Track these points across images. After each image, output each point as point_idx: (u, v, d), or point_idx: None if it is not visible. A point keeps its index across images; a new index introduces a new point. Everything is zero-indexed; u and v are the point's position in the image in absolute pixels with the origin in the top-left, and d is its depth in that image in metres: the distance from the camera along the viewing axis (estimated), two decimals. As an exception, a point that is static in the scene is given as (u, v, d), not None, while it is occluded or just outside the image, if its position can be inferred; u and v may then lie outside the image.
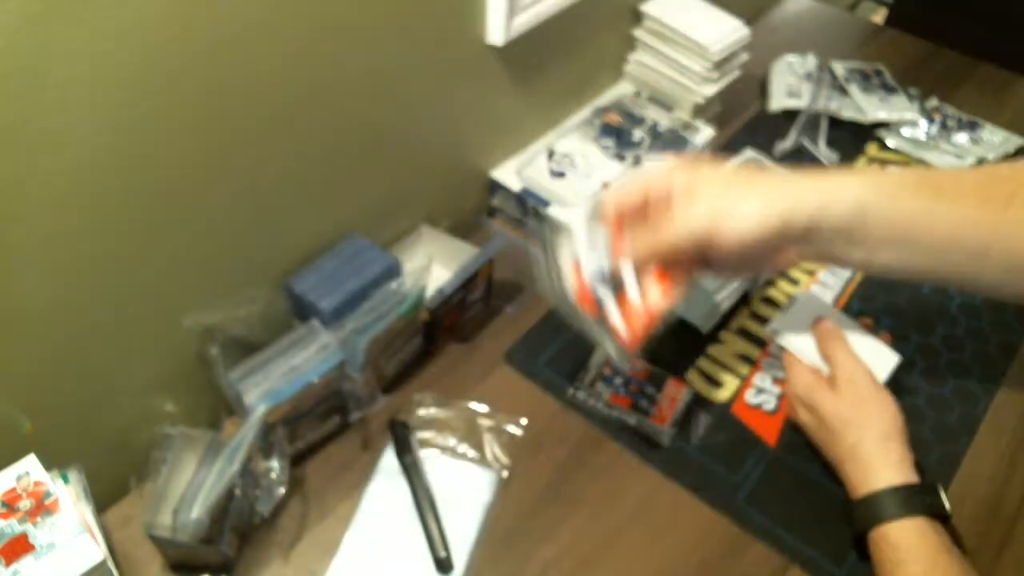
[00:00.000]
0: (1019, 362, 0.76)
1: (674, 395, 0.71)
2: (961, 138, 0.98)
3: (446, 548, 0.60)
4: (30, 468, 0.55)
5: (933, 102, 1.04)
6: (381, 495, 0.64)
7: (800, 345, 0.66)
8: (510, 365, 0.74)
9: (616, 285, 0.54)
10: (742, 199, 0.50)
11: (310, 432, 0.65)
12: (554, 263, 0.54)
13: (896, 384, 0.63)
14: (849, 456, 0.60)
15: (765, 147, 0.97)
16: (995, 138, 0.98)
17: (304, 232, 0.67)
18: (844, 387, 0.61)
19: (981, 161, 0.95)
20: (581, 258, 0.54)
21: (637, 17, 0.92)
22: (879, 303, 0.73)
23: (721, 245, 0.51)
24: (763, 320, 0.79)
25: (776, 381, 0.74)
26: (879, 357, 0.65)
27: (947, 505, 0.56)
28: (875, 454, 0.58)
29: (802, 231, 0.51)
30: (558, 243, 0.54)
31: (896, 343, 0.67)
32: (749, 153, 0.92)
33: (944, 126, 1.00)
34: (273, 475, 0.59)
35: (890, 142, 0.98)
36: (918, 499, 0.56)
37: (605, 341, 0.56)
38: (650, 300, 0.54)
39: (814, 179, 0.52)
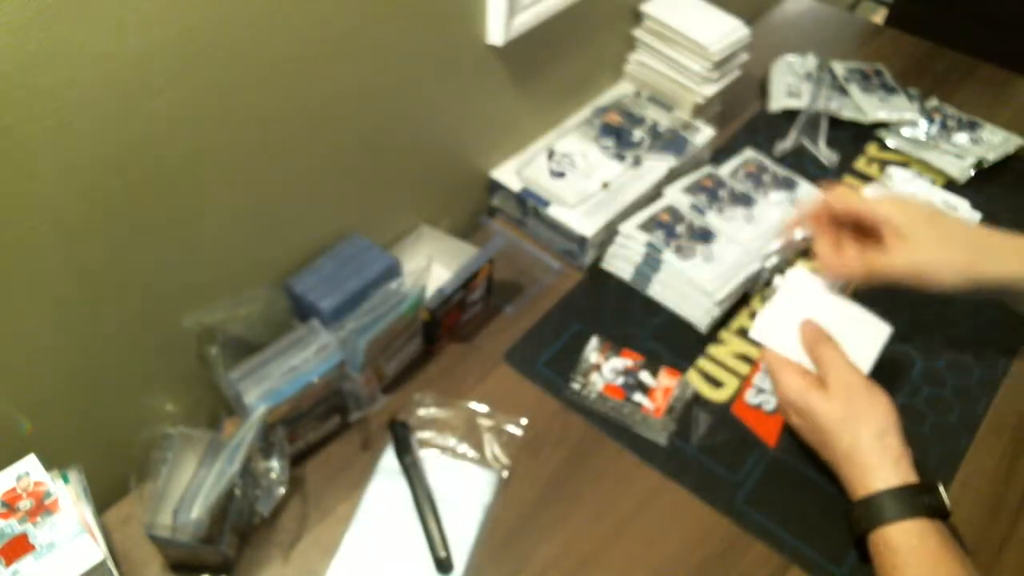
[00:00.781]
0: (1019, 362, 0.76)
1: (668, 385, 0.71)
2: (961, 138, 0.98)
3: (446, 548, 0.60)
4: (30, 468, 0.55)
5: (933, 102, 1.04)
6: (381, 495, 0.64)
7: (785, 341, 0.66)
8: (510, 365, 0.74)
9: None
10: (949, 256, 0.62)
11: (310, 432, 0.65)
12: None
13: (895, 384, 0.64)
14: (846, 457, 0.59)
15: (765, 147, 0.97)
16: (995, 138, 0.98)
17: (304, 232, 0.67)
18: (835, 387, 0.61)
19: (981, 162, 0.95)
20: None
21: (637, 17, 0.92)
22: (879, 304, 0.73)
23: (924, 287, 0.62)
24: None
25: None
26: (871, 329, 0.64)
27: (947, 503, 0.56)
28: (872, 453, 0.58)
29: (997, 288, 0.63)
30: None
31: (897, 343, 0.67)
32: (749, 153, 0.92)
33: (944, 126, 1.00)
34: (273, 475, 0.59)
35: (890, 142, 0.98)
36: (918, 500, 0.56)
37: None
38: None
39: (1014, 244, 0.63)
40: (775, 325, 0.67)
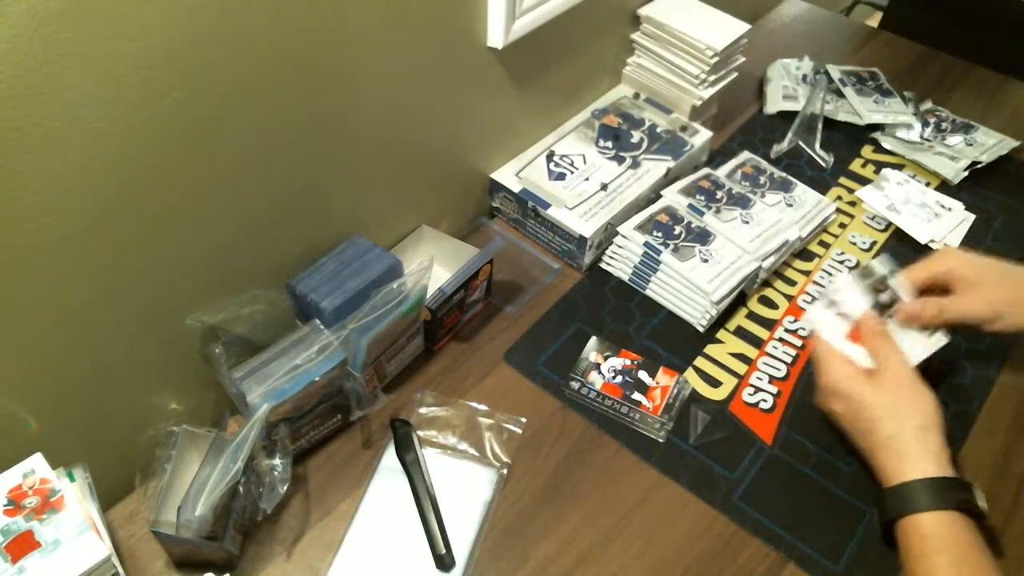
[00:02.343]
0: (1013, 361, 0.77)
1: (666, 384, 0.72)
2: (955, 140, 0.99)
3: (447, 545, 0.61)
4: (36, 466, 0.55)
5: (927, 105, 1.05)
6: (382, 493, 0.65)
7: (833, 332, 0.67)
8: (510, 364, 0.74)
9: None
10: (1014, 308, 0.66)
11: (312, 430, 0.66)
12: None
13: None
14: (884, 445, 0.60)
15: (762, 149, 0.98)
16: (989, 140, 0.99)
17: (306, 233, 0.68)
18: (886, 378, 0.62)
19: (975, 163, 0.95)
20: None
21: (635, 21, 0.92)
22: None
23: (998, 327, 0.66)
24: (760, 320, 0.80)
25: (773, 381, 0.75)
26: (923, 337, 0.67)
27: (982, 503, 0.57)
28: (913, 444, 0.59)
29: None
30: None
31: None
32: (746, 155, 0.93)
33: (939, 128, 1.01)
34: (276, 473, 0.60)
35: (885, 144, 0.99)
36: (952, 492, 0.57)
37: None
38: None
39: None
40: (824, 320, 0.68)
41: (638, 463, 0.68)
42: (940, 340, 0.67)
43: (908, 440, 0.59)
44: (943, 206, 0.91)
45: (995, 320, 0.65)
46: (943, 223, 0.90)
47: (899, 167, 0.97)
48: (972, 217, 0.91)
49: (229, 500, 0.57)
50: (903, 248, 0.88)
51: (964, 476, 0.59)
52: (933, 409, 0.61)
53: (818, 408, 0.67)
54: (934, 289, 0.68)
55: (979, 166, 0.95)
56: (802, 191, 0.88)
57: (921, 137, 0.99)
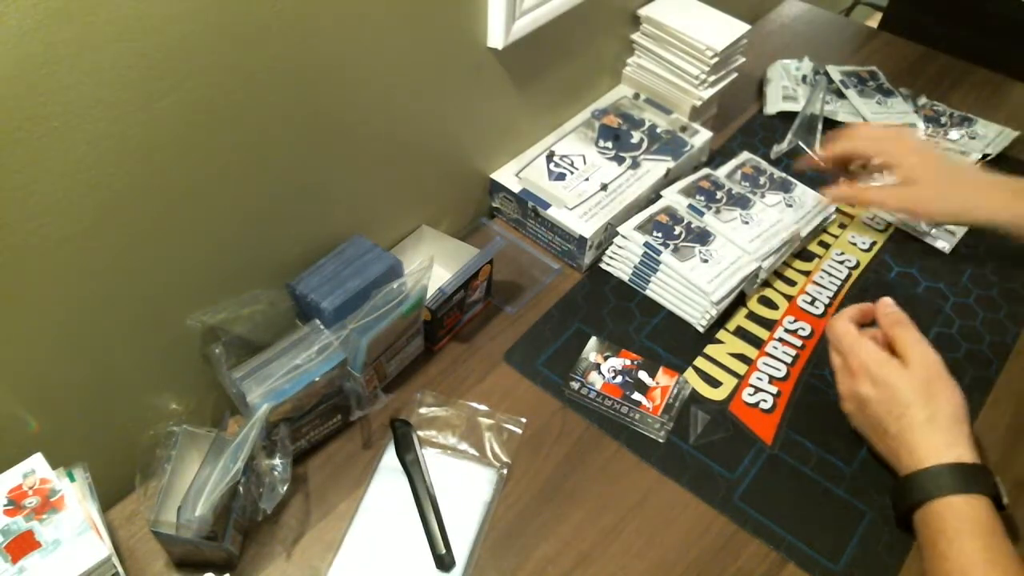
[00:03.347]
0: (1012, 361, 0.77)
1: (666, 384, 0.72)
2: (956, 135, 0.99)
3: (447, 545, 0.61)
4: (36, 466, 0.55)
5: (923, 100, 1.05)
6: (382, 493, 0.65)
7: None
8: (510, 364, 0.74)
9: None
10: (945, 194, 0.75)
11: (312, 430, 0.66)
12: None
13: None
14: (920, 428, 0.60)
15: (762, 149, 0.98)
16: (990, 132, 0.99)
17: (307, 233, 0.68)
18: (917, 363, 0.62)
19: (985, 156, 0.96)
20: None
21: (635, 21, 0.93)
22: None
23: (913, 217, 0.80)
24: (760, 320, 0.80)
25: (773, 381, 0.75)
26: None
27: (1005, 499, 0.58)
28: (950, 430, 0.60)
29: (987, 226, 0.73)
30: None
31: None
32: (746, 155, 0.93)
33: (938, 124, 1.01)
34: (276, 473, 0.60)
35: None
36: (986, 480, 0.57)
37: None
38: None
39: (1008, 191, 0.74)
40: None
41: (638, 463, 0.68)
42: None
43: (943, 426, 0.60)
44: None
45: (912, 210, 0.77)
46: None
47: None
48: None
49: (229, 500, 0.57)
50: (904, 247, 0.88)
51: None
52: (962, 401, 0.61)
53: (838, 393, 0.67)
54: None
55: (988, 158, 0.95)
56: (802, 191, 0.88)
57: (924, 134, 0.99)
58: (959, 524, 0.56)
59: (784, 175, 0.90)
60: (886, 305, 0.67)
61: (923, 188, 0.75)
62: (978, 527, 0.55)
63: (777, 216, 0.84)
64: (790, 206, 0.86)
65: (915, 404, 0.61)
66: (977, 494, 0.56)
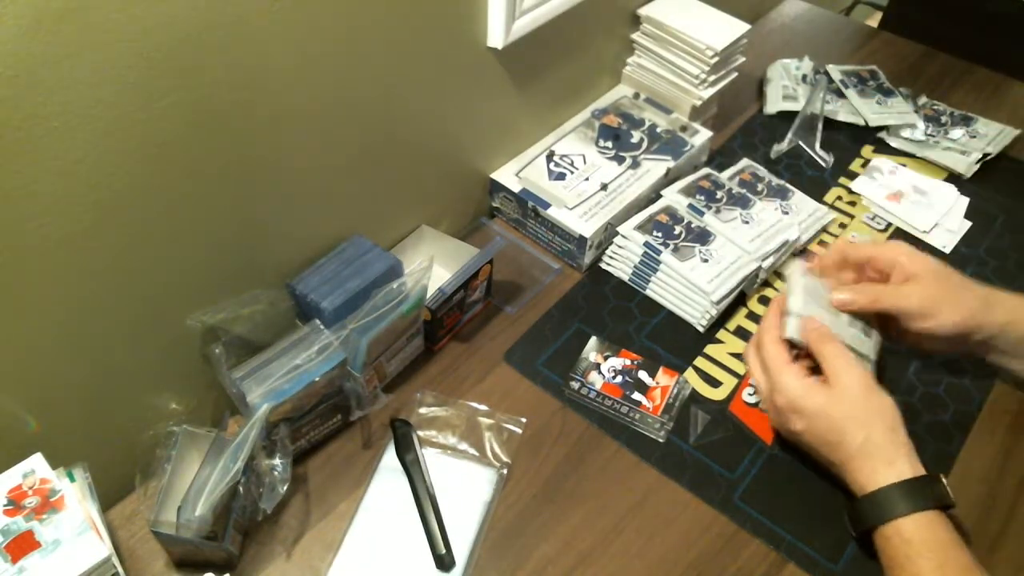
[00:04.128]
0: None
1: (666, 384, 0.72)
2: (957, 133, 0.99)
3: (447, 545, 0.61)
4: (36, 466, 0.55)
5: (923, 100, 1.05)
6: (382, 493, 0.65)
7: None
8: (510, 364, 0.74)
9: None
10: (946, 307, 0.64)
11: (312, 430, 0.66)
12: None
13: (891, 383, 0.64)
14: (858, 453, 0.59)
15: (762, 149, 0.98)
16: (990, 130, 0.99)
17: (307, 234, 0.68)
18: (843, 385, 0.60)
19: (986, 156, 0.96)
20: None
21: (635, 21, 0.92)
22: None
23: (924, 324, 0.64)
24: (759, 320, 0.79)
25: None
26: (863, 335, 0.66)
27: (950, 494, 0.57)
28: (887, 448, 0.59)
29: (982, 341, 0.65)
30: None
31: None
32: (745, 161, 0.93)
33: (939, 123, 1.01)
34: (276, 473, 0.60)
35: (892, 143, 1.00)
36: (928, 491, 0.57)
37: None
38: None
39: (1004, 303, 0.65)
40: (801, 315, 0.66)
41: (638, 463, 0.68)
42: (876, 342, 0.66)
43: (880, 444, 0.59)
44: (940, 191, 0.93)
45: (926, 317, 0.64)
46: (939, 207, 0.91)
47: (905, 166, 0.97)
48: (967, 200, 0.92)
49: (229, 500, 0.57)
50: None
51: (930, 470, 0.58)
52: (892, 407, 0.60)
53: (775, 428, 0.66)
54: (870, 277, 0.69)
55: (989, 157, 0.95)
56: (799, 199, 0.88)
57: (925, 134, 0.99)
58: (907, 547, 0.55)
59: (782, 182, 0.90)
60: (809, 321, 0.64)
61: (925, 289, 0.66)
62: (928, 547, 0.55)
63: (778, 216, 0.84)
64: (786, 213, 0.86)
65: (847, 431, 0.59)
66: (923, 511, 0.55)
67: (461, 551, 0.61)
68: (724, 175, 0.90)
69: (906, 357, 0.77)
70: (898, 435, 0.59)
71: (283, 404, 0.60)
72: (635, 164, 0.86)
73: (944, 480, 0.58)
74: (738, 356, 0.76)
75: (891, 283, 0.67)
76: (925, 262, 0.66)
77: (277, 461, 0.60)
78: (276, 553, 0.61)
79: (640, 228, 0.80)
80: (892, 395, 0.61)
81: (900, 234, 0.89)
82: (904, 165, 0.97)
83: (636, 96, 0.96)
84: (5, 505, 0.53)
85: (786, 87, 1.05)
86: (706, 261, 0.78)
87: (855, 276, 0.70)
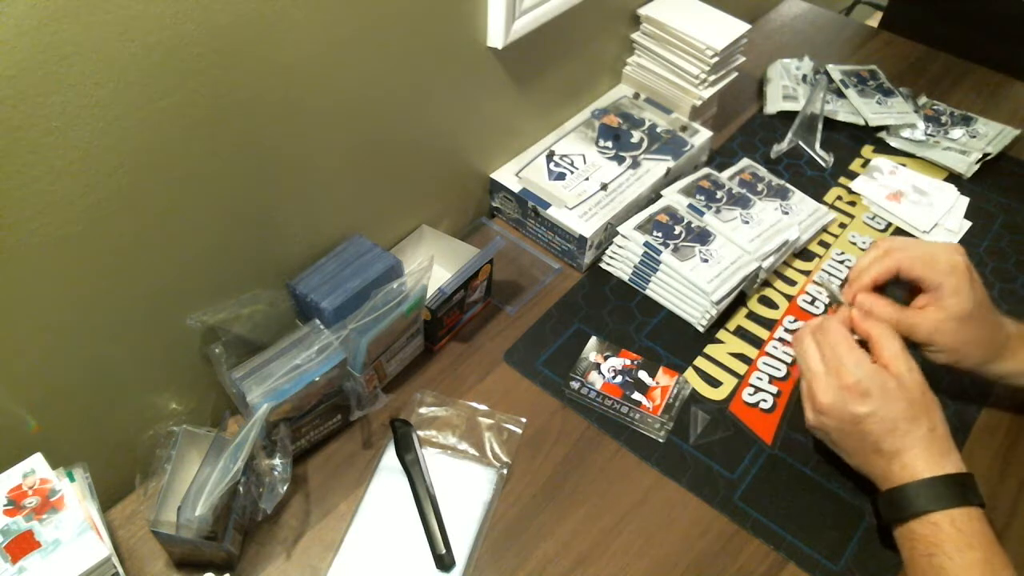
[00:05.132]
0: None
1: (666, 384, 0.72)
2: (957, 133, 0.99)
3: (447, 545, 0.61)
4: (36, 466, 0.55)
5: (923, 99, 1.05)
6: (382, 493, 0.65)
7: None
8: (510, 364, 0.74)
9: None
10: (948, 346, 0.63)
11: (312, 430, 0.66)
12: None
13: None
14: (921, 441, 0.58)
15: (762, 149, 0.98)
16: (990, 130, 0.99)
17: (307, 234, 0.68)
18: (908, 377, 0.59)
19: (986, 156, 0.95)
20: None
21: (635, 21, 0.92)
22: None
23: (940, 359, 0.65)
24: (760, 320, 0.80)
25: (773, 381, 0.74)
26: None
27: (983, 496, 0.57)
28: (945, 439, 0.59)
29: (983, 374, 0.66)
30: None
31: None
32: (746, 161, 0.93)
33: (939, 123, 1.01)
34: (276, 473, 0.60)
35: (893, 143, 1.00)
36: (977, 490, 0.57)
37: None
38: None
39: None
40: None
41: (638, 463, 0.68)
42: None
43: (941, 435, 0.59)
44: (941, 191, 0.93)
45: (926, 344, 0.64)
46: (939, 207, 0.91)
47: (905, 166, 0.97)
48: (967, 200, 0.92)
49: (229, 500, 0.57)
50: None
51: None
52: (939, 405, 0.61)
53: (810, 404, 0.62)
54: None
55: (989, 157, 0.95)
56: (799, 199, 0.88)
57: (925, 134, 0.99)
58: (960, 538, 0.55)
59: (782, 182, 0.90)
60: (868, 299, 0.64)
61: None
62: (978, 539, 0.55)
63: (778, 216, 0.84)
64: (786, 213, 0.86)
65: (916, 420, 0.59)
66: (974, 505, 0.56)
67: (461, 551, 0.61)
68: (724, 175, 0.90)
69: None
70: (948, 429, 0.60)
71: (283, 404, 0.60)
72: (635, 164, 0.86)
73: (978, 485, 0.58)
74: (739, 356, 0.76)
75: (918, 298, 0.65)
76: (962, 302, 0.62)
77: (277, 461, 0.60)
78: (276, 553, 0.61)
79: (640, 228, 0.80)
80: None
81: (900, 234, 0.89)
82: (904, 165, 0.97)
83: (636, 96, 0.96)
84: (5, 505, 0.53)
85: (786, 87, 1.05)
86: (706, 261, 0.78)
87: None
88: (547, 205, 0.82)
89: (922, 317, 0.64)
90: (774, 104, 1.04)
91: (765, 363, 0.76)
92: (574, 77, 0.89)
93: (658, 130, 0.91)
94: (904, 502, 0.58)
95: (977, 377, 0.67)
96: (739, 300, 0.81)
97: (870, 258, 0.67)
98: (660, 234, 0.80)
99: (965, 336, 0.64)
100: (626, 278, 0.82)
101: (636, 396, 0.72)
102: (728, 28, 0.90)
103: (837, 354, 0.61)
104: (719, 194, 0.86)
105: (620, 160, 0.87)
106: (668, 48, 0.92)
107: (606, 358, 0.74)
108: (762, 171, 0.92)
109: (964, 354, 0.64)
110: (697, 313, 0.78)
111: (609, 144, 0.88)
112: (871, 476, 0.61)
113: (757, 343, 0.78)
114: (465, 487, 0.65)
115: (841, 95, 1.04)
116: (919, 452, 0.58)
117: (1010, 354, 0.65)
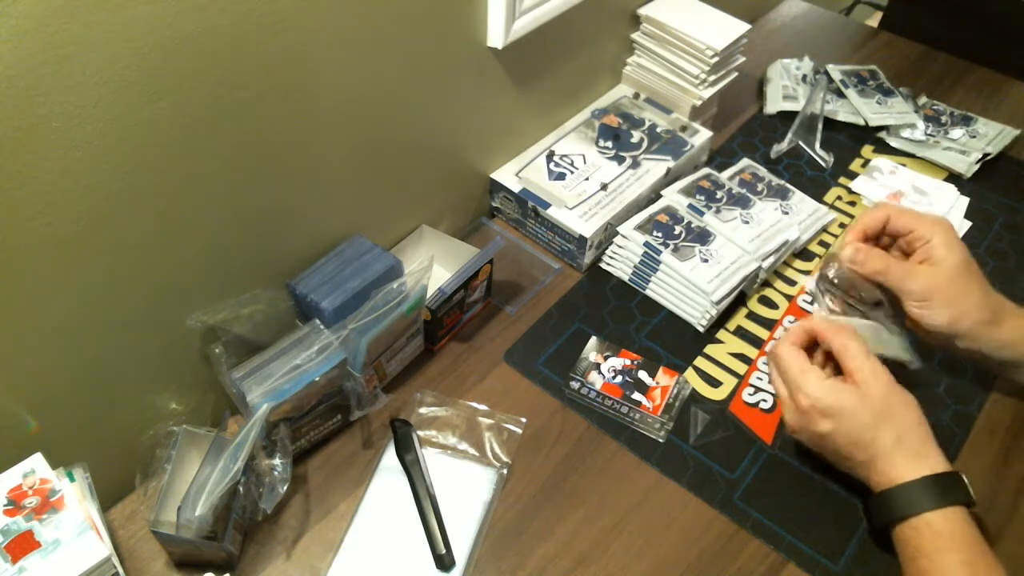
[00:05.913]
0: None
1: (666, 384, 0.72)
2: (957, 133, 0.99)
3: (447, 545, 0.61)
4: (36, 466, 0.55)
5: (923, 100, 1.05)
6: (382, 492, 0.65)
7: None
8: (510, 364, 0.74)
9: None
10: (944, 300, 0.62)
11: (312, 430, 0.66)
12: None
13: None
14: (891, 450, 0.58)
15: (762, 149, 0.98)
16: (990, 130, 0.99)
17: (307, 233, 0.68)
18: (871, 383, 0.59)
19: (985, 156, 0.95)
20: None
21: (635, 21, 0.92)
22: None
23: (913, 312, 0.64)
24: (760, 320, 0.80)
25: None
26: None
27: (972, 493, 0.57)
28: (921, 441, 0.58)
29: (976, 350, 0.64)
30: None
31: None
32: (746, 161, 0.93)
33: (939, 123, 1.01)
34: (276, 473, 0.60)
35: (893, 143, 1.00)
36: (957, 487, 0.57)
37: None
38: None
39: (1016, 321, 0.64)
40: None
41: (638, 463, 0.68)
42: (902, 352, 0.65)
43: (912, 439, 0.58)
44: (941, 191, 0.93)
45: (922, 302, 0.62)
46: (939, 207, 0.91)
47: (905, 166, 0.97)
48: (967, 200, 0.92)
49: (229, 500, 0.57)
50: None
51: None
52: (918, 406, 0.60)
53: (784, 421, 0.63)
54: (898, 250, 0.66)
55: (989, 157, 0.95)
56: (799, 199, 0.88)
57: (925, 134, 0.99)
58: (938, 541, 0.55)
59: (782, 182, 0.90)
60: (822, 315, 0.64)
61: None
62: (957, 542, 0.54)
63: (778, 216, 0.84)
64: (786, 213, 0.86)
65: (880, 428, 0.58)
66: (953, 505, 0.55)
67: (461, 551, 0.61)
68: (724, 175, 0.90)
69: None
70: (925, 429, 0.59)
71: (283, 404, 0.60)
72: (635, 164, 0.86)
73: (964, 477, 0.58)
74: (738, 356, 0.76)
75: (910, 259, 0.64)
76: (954, 253, 0.63)
77: (277, 461, 0.60)
78: (276, 553, 0.61)
79: (640, 228, 0.80)
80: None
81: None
82: (904, 165, 0.97)
83: (636, 96, 0.96)
84: (5, 505, 0.53)
85: (786, 87, 1.05)
86: (706, 261, 0.78)
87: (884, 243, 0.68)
88: (547, 205, 0.82)
89: (917, 269, 0.63)
90: (774, 104, 1.04)
91: (765, 363, 0.76)
92: (574, 77, 0.89)
93: (658, 130, 0.91)
94: (883, 508, 0.58)
95: (977, 370, 0.67)
96: (739, 300, 0.81)
97: (861, 214, 0.67)
98: (660, 234, 0.80)
99: (959, 288, 0.62)
100: (626, 278, 0.82)
101: (636, 396, 0.72)
102: (728, 28, 0.90)
103: (790, 378, 0.62)
104: (719, 194, 0.86)
105: (620, 160, 0.87)
106: (668, 48, 0.92)
107: (606, 358, 0.74)
108: (762, 171, 0.92)
109: (962, 310, 0.62)
110: (697, 313, 0.78)
111: (609, 144, 0.88)
112: (861, 480, 0.62)
113: (757, 343, 0.78)
114: (465, 487, 0.65)
115: (841, 95, 1.04)
116: (890, 460, 0.58)
117: (1006, 319, 0.63)
